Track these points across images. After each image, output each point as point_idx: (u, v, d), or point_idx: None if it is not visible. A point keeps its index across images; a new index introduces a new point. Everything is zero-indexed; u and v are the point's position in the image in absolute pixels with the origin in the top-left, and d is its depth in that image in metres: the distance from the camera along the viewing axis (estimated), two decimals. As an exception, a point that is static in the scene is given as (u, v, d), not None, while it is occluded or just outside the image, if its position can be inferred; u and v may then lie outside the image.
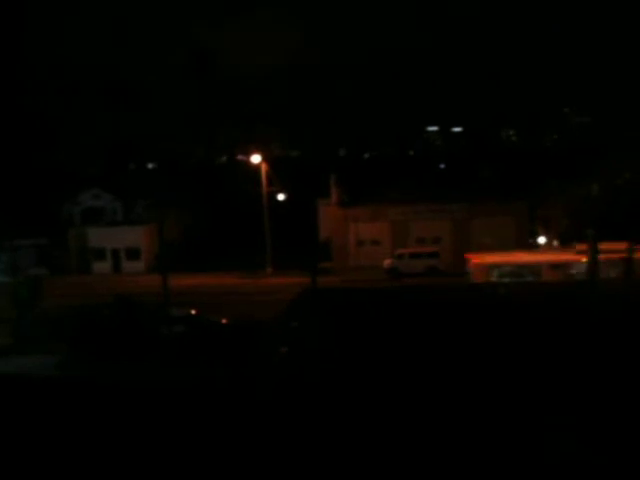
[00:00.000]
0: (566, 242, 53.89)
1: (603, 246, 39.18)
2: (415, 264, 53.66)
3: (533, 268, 47.06)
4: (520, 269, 47.07)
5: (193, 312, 33.27)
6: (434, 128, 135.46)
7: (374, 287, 47.53)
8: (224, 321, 32.80)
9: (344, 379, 23.45)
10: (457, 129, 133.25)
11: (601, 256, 38.45)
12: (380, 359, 25.94)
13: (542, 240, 61.23)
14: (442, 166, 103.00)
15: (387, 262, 54.74)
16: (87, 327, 31.39)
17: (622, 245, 43.99)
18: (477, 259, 48.38)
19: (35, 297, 36.69)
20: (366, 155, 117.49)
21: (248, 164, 63.65)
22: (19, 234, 58.83)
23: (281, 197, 61.68)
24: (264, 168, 58.81)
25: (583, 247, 41.03)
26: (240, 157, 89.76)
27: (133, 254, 61.64)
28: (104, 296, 38.11)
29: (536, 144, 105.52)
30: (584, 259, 40.70)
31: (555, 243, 59.90)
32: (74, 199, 69.93)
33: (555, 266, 46.77)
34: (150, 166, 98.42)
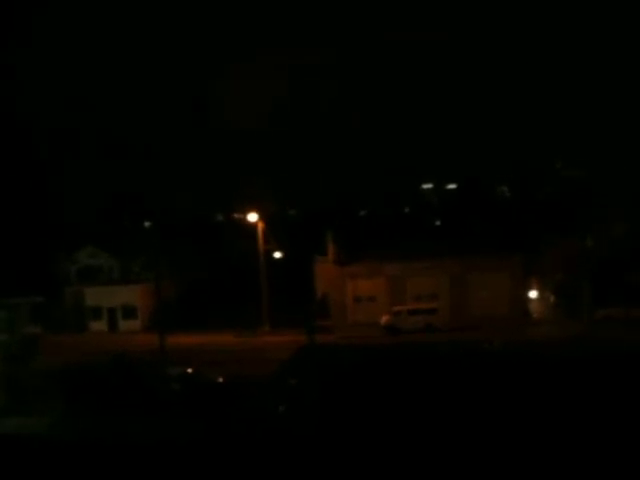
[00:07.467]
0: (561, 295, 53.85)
1: None
2: (413, 321, 53.43)
3: None
4: None
5: (189, 370, 33.06)
6: (429, 185, 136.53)
7: (371, 344, 47.24)
8: (220, 379, 32.57)
9: (342, 436, 23.23)
10: (451, 186, 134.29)
11: None
12: (377, 416, 25.74)
13: (534, 294, 61.24)
14: (437, 223, 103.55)
15: (384, 319, 54.54)
16: (83, 385, 31.13)
17: None
18: None
19: (29, 355, 36.45)
20: (362, 212, 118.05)
21: (244, 222, 63.87)
22: (14, 292, 58.63)
23: (278, 255, 61.79)
24: (260, 226, 59.04)
25: None
26: (236, 215, 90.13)
27: (129, 313, 61.57)
28: (99, 354, 37.91)
29: (530, 199, 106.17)
30: None
31: (551, 297, 59.94)
32: (70, 257, 69.91)
33: None
34: (147, 224, 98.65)
